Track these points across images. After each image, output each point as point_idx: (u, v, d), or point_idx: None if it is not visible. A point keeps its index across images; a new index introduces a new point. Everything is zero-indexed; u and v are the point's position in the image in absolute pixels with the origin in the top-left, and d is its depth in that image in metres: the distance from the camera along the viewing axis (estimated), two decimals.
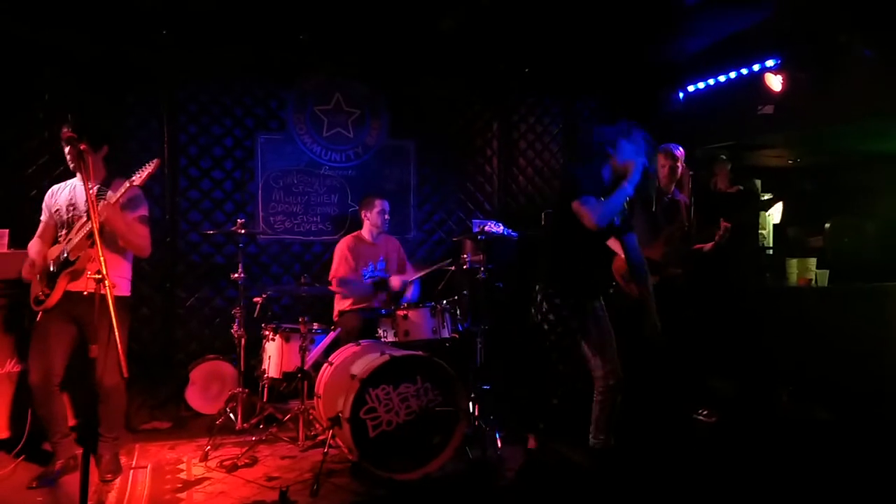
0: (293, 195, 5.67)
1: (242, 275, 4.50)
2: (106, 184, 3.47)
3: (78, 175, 3.54)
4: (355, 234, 5.11)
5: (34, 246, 3.66)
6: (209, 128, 5.43)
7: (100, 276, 2.60)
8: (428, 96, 5.99)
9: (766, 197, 6.62)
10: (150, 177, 3.41)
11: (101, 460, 3.60)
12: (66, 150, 3.48)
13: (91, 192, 2.91)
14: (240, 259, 4.52)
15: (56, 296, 3.45)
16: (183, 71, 5.30)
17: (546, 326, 3.51)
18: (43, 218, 3.72)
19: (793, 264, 5.63)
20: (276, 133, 5.61)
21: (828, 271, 5.45)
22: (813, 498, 3.49)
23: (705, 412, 4.71)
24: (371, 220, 5.04)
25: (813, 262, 5.55)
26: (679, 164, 4.57)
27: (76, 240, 3.44)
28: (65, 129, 3.38)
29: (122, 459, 3.92)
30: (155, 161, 3.46)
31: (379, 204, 5.03)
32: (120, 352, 2.59)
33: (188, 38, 5.11)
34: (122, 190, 3.36)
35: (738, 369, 5.32)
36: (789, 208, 6.89)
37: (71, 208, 3.59)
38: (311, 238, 5.73)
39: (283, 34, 5.26)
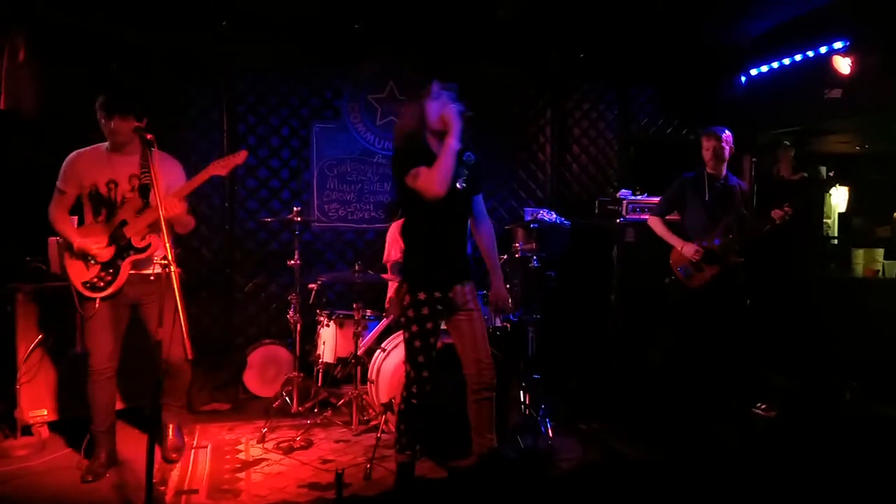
0: (347, 183, 5.74)
1: (298, 262, 4.58)
2: (147, 155, 3.23)
3: (120, 149, 3.38)
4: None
5: (68, 223, 3.44)
6: (267, 118, 5.54)
7: (166, 262, 2.69)
8: (481, 83, 5.93)
9: (828, 173, 6.35)
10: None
11: (166, 433, 3.66)
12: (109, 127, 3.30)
13: (158, 181, 2.92)
14: (295, 246, 4.60)
15: (120, 282, 3.36)
16: (242, 62, 5.41)
17: (403, 321, 3.14)
18: (65, 188, 3.40)
19: (859, 255, 5.42)
20: (330, 122, 5.69)
21: None
22: (865, 498, 3.37)
23: (764, 406, 4.59)
24: None
25: (880, 252, 5.33)
26: (724, 144, 4.41)
27: (137, 226, 3.36)
28: (127, 120, 3.26)
29: (185, 439, 4.07)
30: (243, 152, 3.48)
31: None
32: (185, 331, 2.65)
33: (247, 30, 5.21)
34: (194, 182, 3.39)
35: (799, 363, 5.16)
36: (856, 196, 6.62)
37: (112, 186, 3.39)
38: (364, 226, 5.79)
39: (338, 24, 5.30)
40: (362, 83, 5.74)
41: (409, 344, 3.12)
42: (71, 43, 4.87)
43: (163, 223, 2.76)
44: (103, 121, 3.34)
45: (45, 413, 3.93)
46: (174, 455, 3.64)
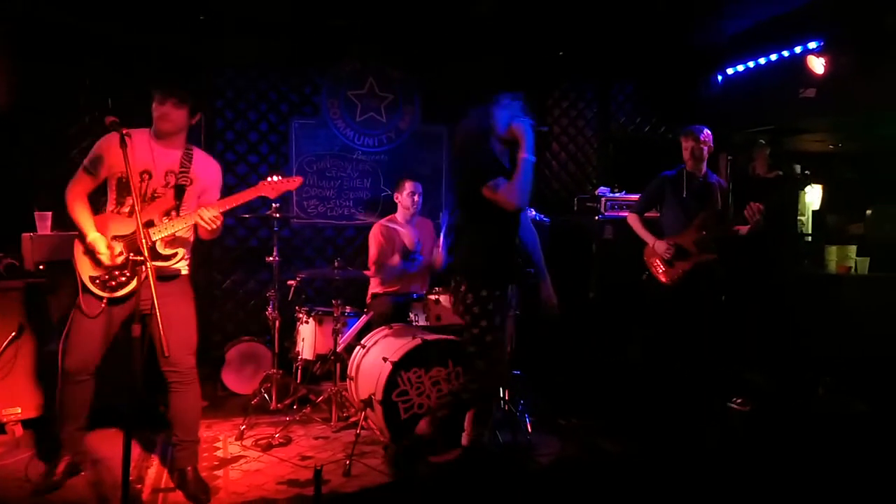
0: (326, 179, 5.72)
1: (276, 258, 4.56)
2: (187, 152, 3.16)
3: (164, 139, 3.09)
4: (389, 217, 5.13)
5: (85, 210, 3.08)
6: (245, 113, 5.51)
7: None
8: (461, 81, 5.96)
9: (802, 171, 6.44)
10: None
11: (186, 478, 3.17)
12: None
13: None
14: (274, 242, 4.58)
15: (135, 286, 3.00)
16: (220, 57, 5.37)
17: (469, 318, 3.25)
18: (94, 169, 3.07)
19: (832, 251, 5.51)
20: (310, 118, 5.66)
21: (868, 259, 5.32)
22: (836, 488, 3.44)
23: (739, 400, 4.67)
24: (402, 202, 5.06)
25: (853, 249, 5.42)
26: (702, 145, 4.48)
27: (168, 230, 3.05)
28: (181, 108, 3.05)
29: (162, 436, 4.02)
30: (298, 178, 3.33)
31: (409, 186, 5.04)
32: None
33: (225, 25, 5.16)
34: (241, 197, 3.19)
35: (773, 358, 5.24)
36: (829, 194, 6.73)
37: (146, 177, 3.05)
38: (344, 222, 5.78)
39: (318, 20, 5.28)
40: (342, 79, 5.72)
41: (478, 339, 3.19)
42: (48, 39, 4.81)
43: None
44: (156, 103, 3.05)
45: (20, 411, 3.86)
46: (203, 496, 3.12)
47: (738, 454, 3.91)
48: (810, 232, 6.54)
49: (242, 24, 5.19)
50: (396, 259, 4.85)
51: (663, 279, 4.49)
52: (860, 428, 4.38)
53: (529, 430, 4.07)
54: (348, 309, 4.43)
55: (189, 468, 3.20)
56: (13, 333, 3.83)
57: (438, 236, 5.25)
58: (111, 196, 3.11)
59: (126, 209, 3.06)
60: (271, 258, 4.55)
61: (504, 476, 3.59)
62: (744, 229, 4.32)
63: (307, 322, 4.55)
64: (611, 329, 5.25)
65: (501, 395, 4.13)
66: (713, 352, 4.41)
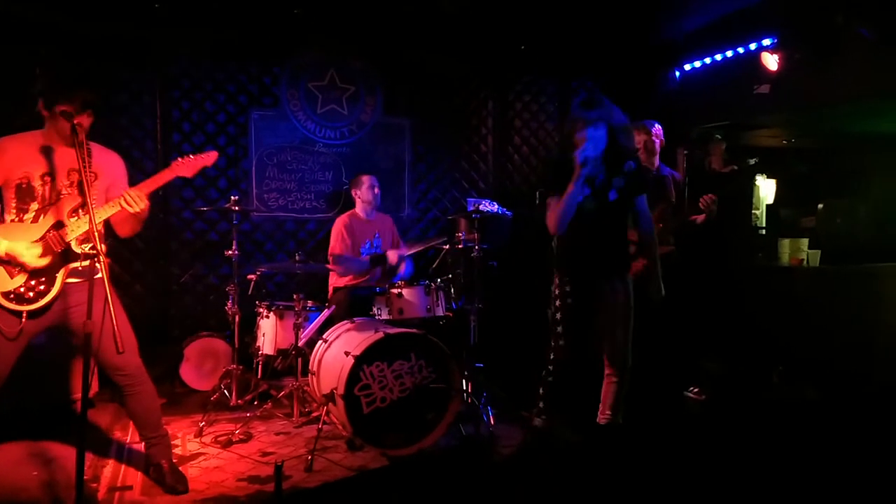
0: (287, 172, 5.65)
1: (236, 252, 4.49)
2: (88, 154, 2.95)
3: (52, 137, 2.94)
4: (350, 212, 5.11)
5: None
6: (202, 104, 5.39)
7: (94, 252, 2.54)
8: (423, 74, 5.95)
9: (752, 161, 6.58)
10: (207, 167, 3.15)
11: (163, 471, 3.19)
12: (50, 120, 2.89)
13: (86, 170, 2.69)
14: (233, 236, 4.51)
15: (55, 293, 2.88)
16: (176, 46, 5.25)
17: (557, 302, 3.45)
18: None
19: (785, 244, 5.64)
20: (269, 109, 5.58)
21: (819, 252, 5.47)
22: (793, 473, 3.54)
23: (696, 390, 4.77)
24: (361, 197, 5.05)
25: (805, 242, 5.56)
26: (654, 138, 4.56)
27: (80, 229, 2.89)
28: (59, 105, 2.82)
29: (117, 434, 3.94)
30: (212, 153, 3.19)
31: (367, 180, 5.04)
32: (118, 326, 2.48)
33: (181, 13, 5.03)
34: (160, 179, 3.02)
35: (728, 348, 5.37)
36: (783, 189, 6.90)
37: (47, 179, 2.91)
38: (306, 215, 5.72)
39: (276, 9, 5.19)
40: (302, 70, 5.65)
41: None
42: None
43: (91, 211, 2.59)
44: (43, 107, 2.89)
45: None
46: (180, 487, 3.15)
47: (694, 443, 3.99)
48: (764, 225, 6.70)
49: (198, 11, 5.07)
50: (356, 252, 4.86)
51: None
52: (812, 414, 4.52)
53: (492, 422, 4.10)
54: (310, 303, 4.39)
55: (164, 461, 3.22)
56: None
57: (397, 232, 5.25)
58: (9, 206, 2.91)
59: (29, 216, 2.89)
60: (231, 252, 4.48)
61: (466, 468, 3.61)
62: (700, 218, 4.42)
63: (268, 317, 4.49)
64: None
65: (465, 388, 4.15)
66: (670, 342, 4.49)
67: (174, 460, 3.33)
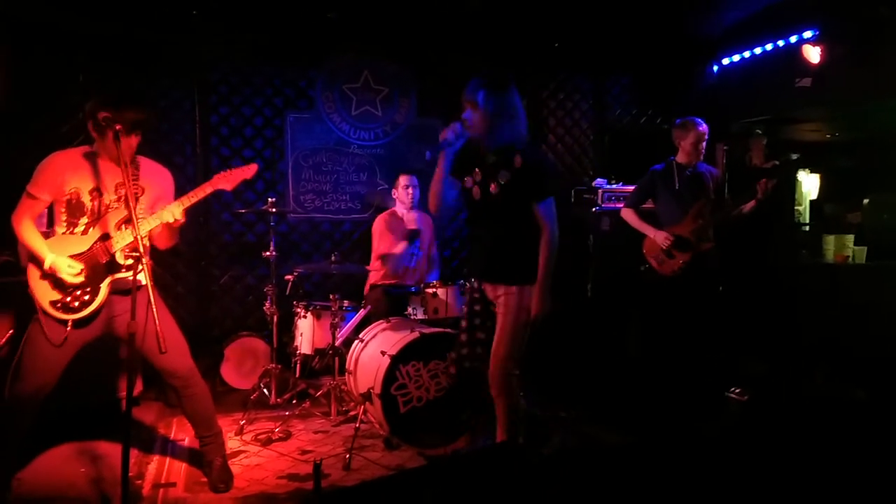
0: (322, 174, 5.71)
1: (274, 253, 4.56)
2: (134, 164, 3.05)
3: (101, 153, 3.00)
4: (390, 210, 5.14)
5: (37, 235, 2.92)
6: (240, 108, 5.49)
7: (138, 254, 2.59)
8: (456, 74, 5.91)
9: (794, 156, 6.41)
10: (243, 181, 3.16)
11: (212, 467, 3.28)
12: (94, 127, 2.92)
13: (130, 180, 2.74)
14: (271, 237, 4.57)
15: (99, 303, 2.93)
16: (213, 52, 5.34)
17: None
18: (39, 194, 2.92)
19: (829, 241, 5.50)
20: (305, 112, 5.64)
21: (865, 248, 5.32)
22: (834, 475, 3.45)
23: (737, 390, 4.67)
24: (399, 196, 5.07)
25: (850, 238, 5.42)
26: (707, 136, 4.48)
27: (124, 240, 2.94)
28: (100, 112, 2.85)
29: (161, 431, 4.03)
30: (252, 166, 3.17)
31: (403, 179, 5.05)
32: (162, 329, 2.54)
33: (218, 20, 5.13)
34: (199, 192, 3.05)
35: (771, 347, 5.25)
36: (826, 184, 6.73)
37: (95, 194, 2.96)
38: (341, 216, 5.77)
39: (311, 13, 5.25)
40: (337, 73, 5.70)
41: None
42: (41, 36, 4.78)
43: (135, 223, 2.64)
44: (93, 127, 2.94)
45: None
46: (222, 486, 3.24)
47: (735, 443, 3.92)
48: (808, 221, 6.54)
49: (235, 17, 5.15)
50: (403, 245, 4.85)
51: (664, 271, 4.48)
52: (859, 415, 4.40)
53: (528, 422, 4.08)
54: (346, 303, 4.43)
55: (217, 459, 3.30)
56: (11, 331, 3.81)
57: (433, 232, 5.25)
58: (58, 219, 2.98)
59: (79, 229, 2.96)
60: (268, 253, 4.55)
61: (503, 468, 3.60)
62: (748, 207, 4.33)
63: (305, 316, 4.55)
64: (609, 320, 5.25)
65: None
66: (711, 342, 4.42)
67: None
